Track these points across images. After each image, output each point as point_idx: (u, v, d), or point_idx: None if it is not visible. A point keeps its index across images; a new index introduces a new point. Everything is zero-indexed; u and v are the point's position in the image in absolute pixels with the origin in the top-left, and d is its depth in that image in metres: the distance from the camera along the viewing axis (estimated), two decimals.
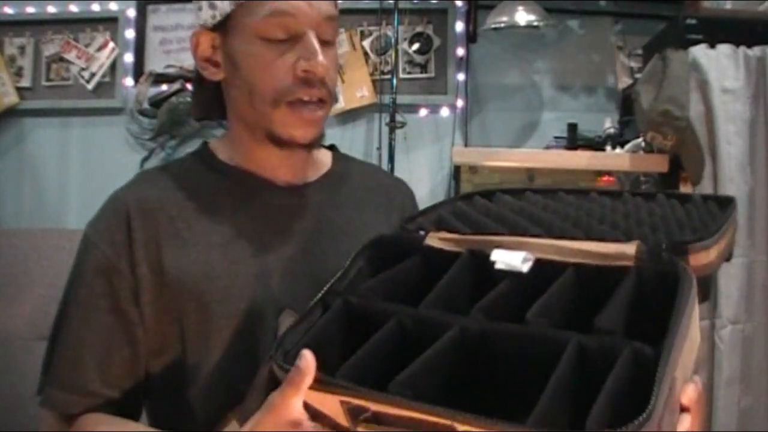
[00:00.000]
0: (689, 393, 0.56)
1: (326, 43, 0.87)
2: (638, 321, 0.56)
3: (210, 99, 0.96)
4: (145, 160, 2.51)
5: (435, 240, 0.71)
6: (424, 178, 2.45)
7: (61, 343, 0.86)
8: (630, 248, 0.61)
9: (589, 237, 0.67)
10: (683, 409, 0.55)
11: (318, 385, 0.55)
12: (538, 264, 0.63)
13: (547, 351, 0.52)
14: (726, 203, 0.78)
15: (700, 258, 0.61)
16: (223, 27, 0.87)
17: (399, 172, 2.24)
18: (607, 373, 0.48)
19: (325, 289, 0.68)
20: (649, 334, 0.51)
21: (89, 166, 2.58)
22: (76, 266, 0.89)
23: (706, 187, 1.91)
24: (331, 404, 0.54)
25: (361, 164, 1.10)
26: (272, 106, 0.85)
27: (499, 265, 0.63)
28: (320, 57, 0.84)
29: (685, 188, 1.98)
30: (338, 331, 0.63)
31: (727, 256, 0.69)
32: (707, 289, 0.66)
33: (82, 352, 0.84)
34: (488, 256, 0.64)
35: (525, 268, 0.62)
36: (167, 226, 0.87)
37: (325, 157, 1.02)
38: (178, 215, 0.88)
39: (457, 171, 2.20)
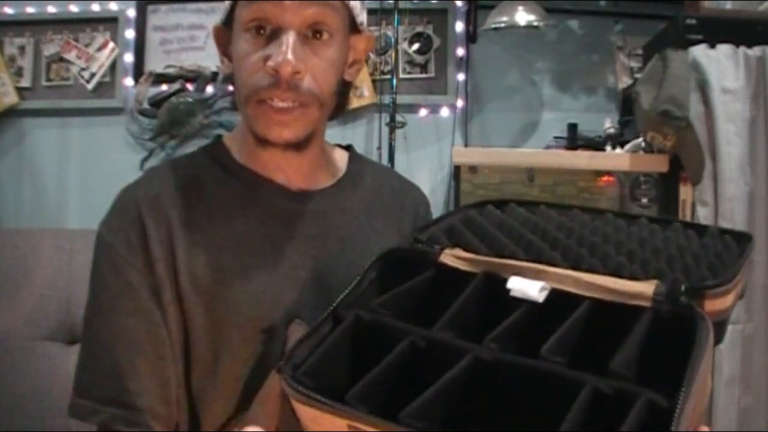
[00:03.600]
0: None
1: (317, 44, 0.82)
2: (651, 363, 0.56)
3: None
4: (145, 160, 2.50)
5: (450, 258, 0.70)
6: (424, 178, 2.45)
7: (87, 353, 0.84)
8: (648, 288, 0.60)
9: (605, 266, 0.67)
10: None
11: (327, 408, 0.54)
12: (554, 294, 0.62)
13: (562, 390, 0.52)
14: (743, 240, 0.76)
15: (718, 303, 0.61)
16: (228, 22, 0.87)
17: (399, 172, 2.23)
18: (620, 419, 0.48)
19: (337, 301, 0.67)
20: (662, 376, 0.51)
21: (89, 166, 2.57)
22: (93, 269, 0.86)
23: (706, 187, 1.91)
24: (338, 426, 0.54)
25: (375, 167, 1.08)
26: (245, 103, 0.84)
27: (515, 293, 0.62)
28: (289, 56, 0.77)
29: (685, 188, 1.98)
30: (349, 347, 0.63)
31: (741, 295, 0.69)
32: (722, 331, 0.66)
33: (107, 360, 0.82)
34: (503, 280, 0.64)
35: (541, 298, 0.62)
36: (178, 225, 0.85)
37: (341, 159, 1.00)
38: (188, 215, 0.86)
39: (457, 171, 2.19)
